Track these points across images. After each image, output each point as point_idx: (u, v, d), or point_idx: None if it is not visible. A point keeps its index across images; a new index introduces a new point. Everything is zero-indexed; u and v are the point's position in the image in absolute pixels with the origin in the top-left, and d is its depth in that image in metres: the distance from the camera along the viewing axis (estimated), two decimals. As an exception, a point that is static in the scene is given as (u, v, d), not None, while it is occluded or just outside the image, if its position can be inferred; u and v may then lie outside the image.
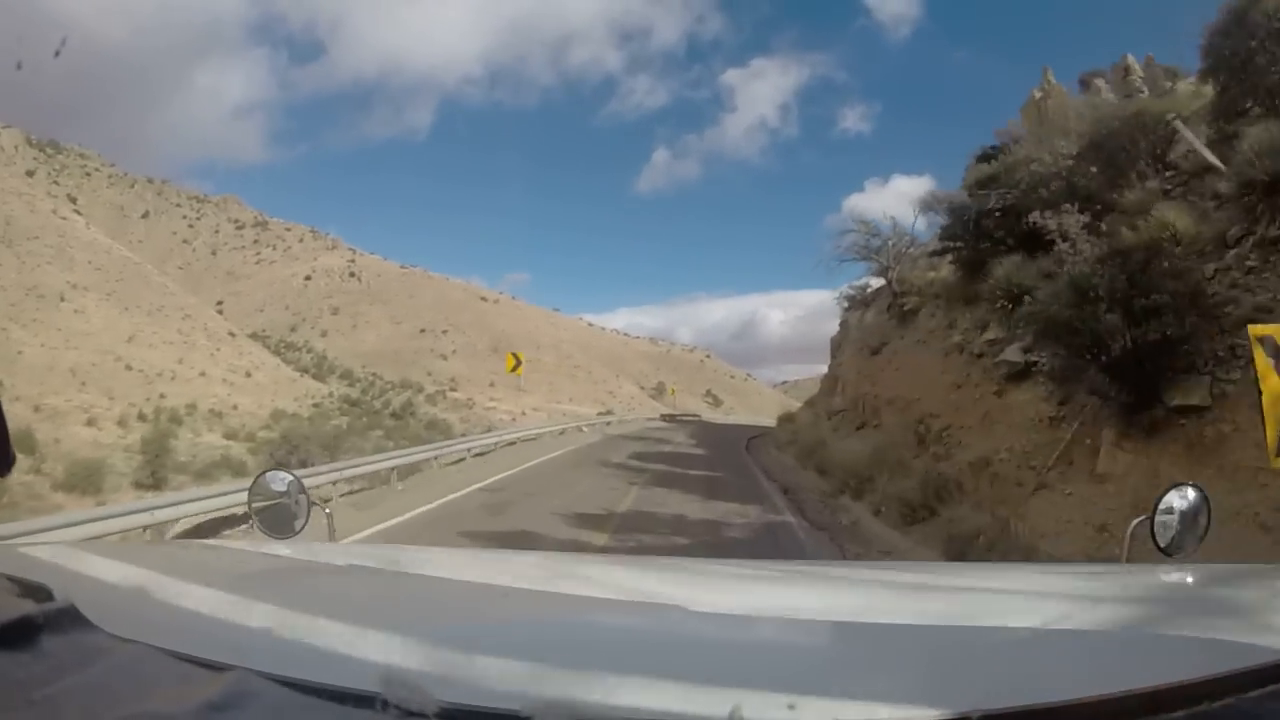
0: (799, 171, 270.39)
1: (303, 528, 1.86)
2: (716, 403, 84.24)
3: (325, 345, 76.81)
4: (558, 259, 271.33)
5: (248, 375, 51.34)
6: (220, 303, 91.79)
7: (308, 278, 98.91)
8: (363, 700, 0.62)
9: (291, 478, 1.94)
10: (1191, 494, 1.73)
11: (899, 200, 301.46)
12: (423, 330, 77.82)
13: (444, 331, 77.70)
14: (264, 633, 0.92)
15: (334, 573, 1.57)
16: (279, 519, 1.88)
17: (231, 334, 62.26)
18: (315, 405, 49.54)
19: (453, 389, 60.14)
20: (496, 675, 0.75)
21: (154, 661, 0.68)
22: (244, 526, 8.90)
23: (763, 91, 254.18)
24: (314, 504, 1.91)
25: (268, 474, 2.00)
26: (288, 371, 57.23)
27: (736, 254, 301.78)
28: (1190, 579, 1.51)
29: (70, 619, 0.67)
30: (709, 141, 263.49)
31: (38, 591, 0.74)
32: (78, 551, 1.74)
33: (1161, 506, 1.71)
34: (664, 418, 53.04)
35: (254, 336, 76.55)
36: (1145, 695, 0.65)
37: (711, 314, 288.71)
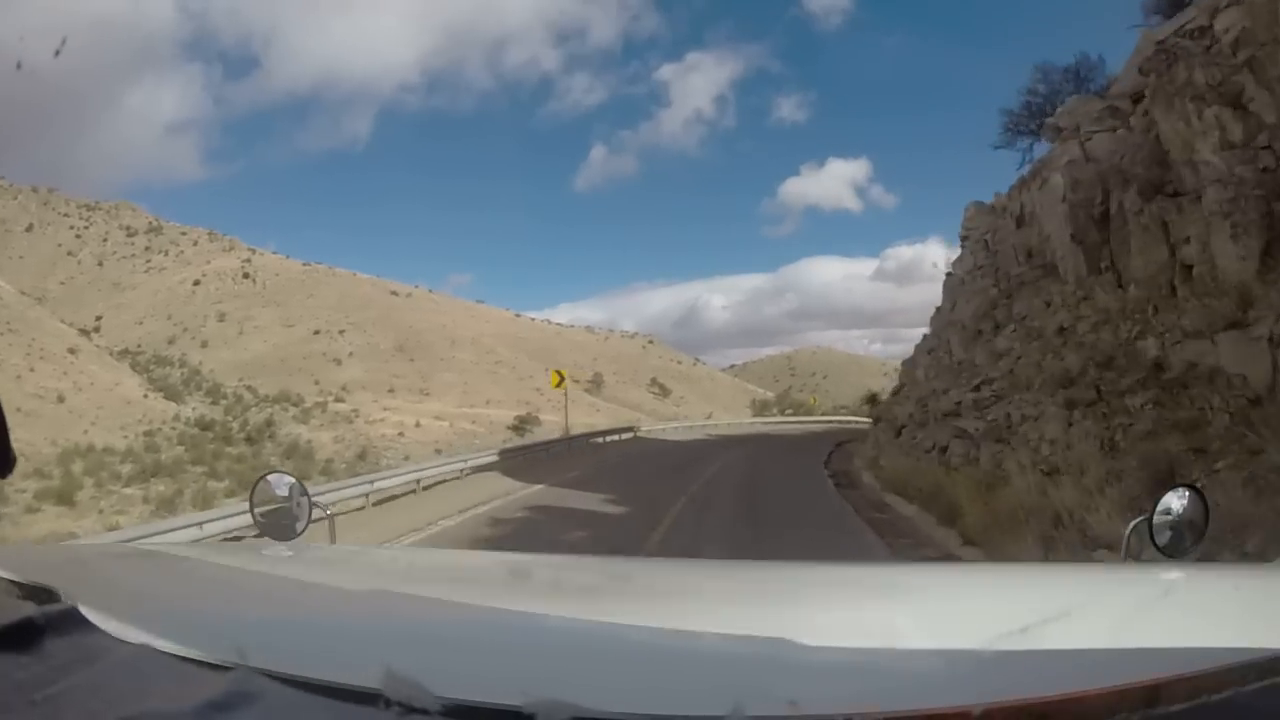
0: (735, 160, 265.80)
1: (303, 530, 1.84)
2: (664, 393, 74.09)
3: (203, 357, 65.64)
4: (499, 259, 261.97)
5: (60, 400, 40.44)
6: (99, 318, 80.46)
7: (196, 283, 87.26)
8: (364, 698, 0.61)
9: (293, 481, 1.94)
10: (1190, 495, 1.72)
11: (837, 183, 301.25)
12: (317, 332, 66.87)
13: (341, 332, 66.86)
14: (265, 632, 0.93)
15: (335, 572, 1.59)
16: (280, 522, 1.87)
17: (72, 350, 51.40)
18: (148, 433, 39.03)
19: (339, 399, 49.74)
20: (497, 672, 0.76)
21: (155, 661, 0.68)
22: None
23: (698, 84, 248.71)
24: (315, 507, 1.89)
25: (269, 477, 1.98)
26: (130, 392, 46.36)
27: (676, 242, 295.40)
28: (1189, 578, 1.52)
29: (72, 620, 0.68)
30: (645, 135, 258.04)
31: (40, 593, 0.76)
32: (80, 553, 1.90)
33: (1160, 508, 1.70)
34: (505, 453, 22.35)
35: (124, 353, 65.96)
36: (1145, 688, 0.65)
37: (653, 303, 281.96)
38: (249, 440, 38.74)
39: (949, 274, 22.93)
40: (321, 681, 0.65)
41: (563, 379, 34.55)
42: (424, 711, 0.59)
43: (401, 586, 1.47)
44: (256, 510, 1.95)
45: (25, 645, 0.61)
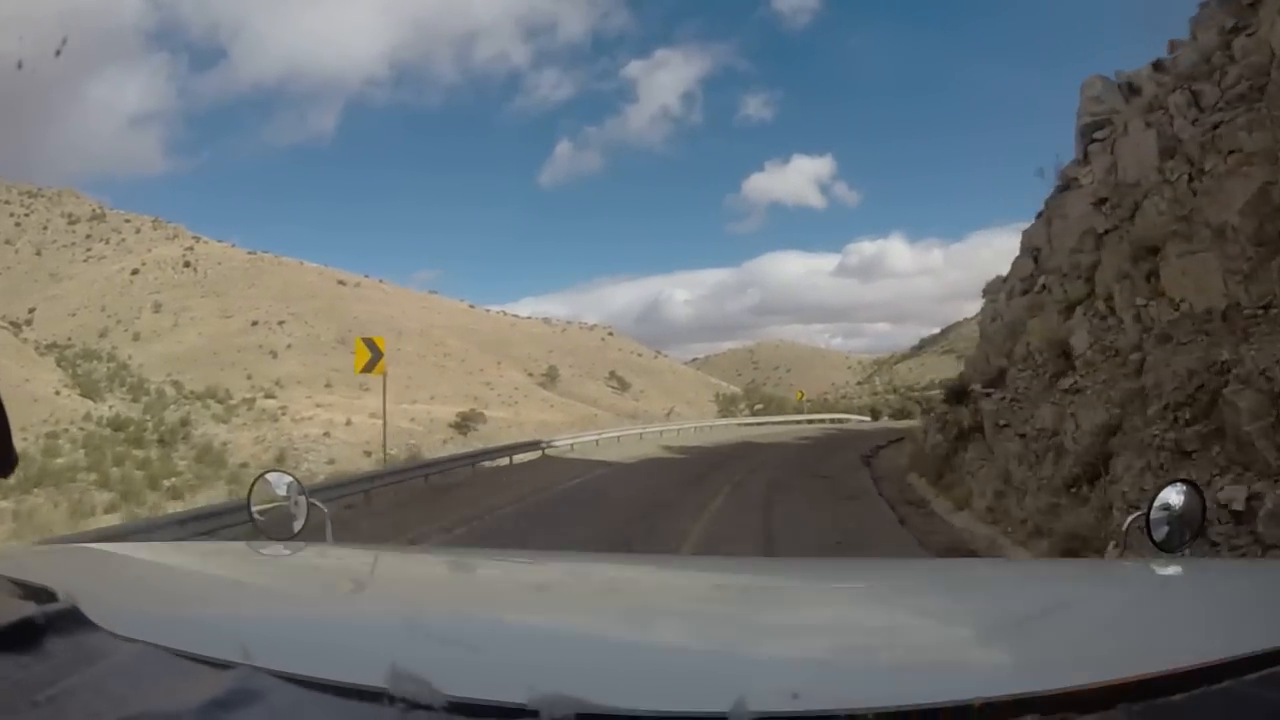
0: (700, 156, 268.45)
1: (301, 529, 1.83)
2: (623, 386, 71.00)
3: (134, 350, 62.05)
4: (464, 254, 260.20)
5: (-47, 399, 37.26)
6: (33, 310, 76.46)
7: (135, 272, 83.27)
8: (369, 695, 0.62)
9: (291, 479, 1.95)
10: (1187, 490, 1.73)
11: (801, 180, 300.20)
12: (255, 323, 63.38)
13: (281, 323, 63.40)
14: (268, 629, 0.94)
15: (335, 571, 1.62)
16: (278, 521, 1.88)
17: (-15, 344, 48.11)
18: (50, 435, 35.86)
19: (270, 395, 46.65)
20: (502, 669, 0.77)
21: (157, 661, 0.68)
22: None
23: (666, 81, 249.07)
24: (313, 505, 1.89)
25: (268, 476, 2.00)
26: (41, 389, 42.98)
27: (640, 237, 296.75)
28: (1186, 573, 1.54)
29: (73, 620, 0.68)
30: (612, 132, 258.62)
31: (40, 593, 0.76)
32: (80, 552, 1.93)
33: (1157, 503, 1.70)
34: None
35: (53, 346, 62.35)
36: (1143, 681, 0.66)
37: (616, 298, 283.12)
38: (161, 442, 35.69)
39: (1060, 189, 14.68)
40: (326, 680, 0.65)
41: (377, 357, 15.16)
42: (429, 708, 0.58)
43: (403, 585, 1.48)
44: (254, 509, 1.95)
45: (26, 645, 0.61)
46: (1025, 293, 14.84)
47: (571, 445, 24.07)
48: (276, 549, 1.77)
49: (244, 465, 32.26)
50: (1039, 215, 16.38)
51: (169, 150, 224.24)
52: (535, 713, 0.58)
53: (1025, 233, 16.82)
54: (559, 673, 0.75)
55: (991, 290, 19.82)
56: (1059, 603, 1.23)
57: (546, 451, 21.94)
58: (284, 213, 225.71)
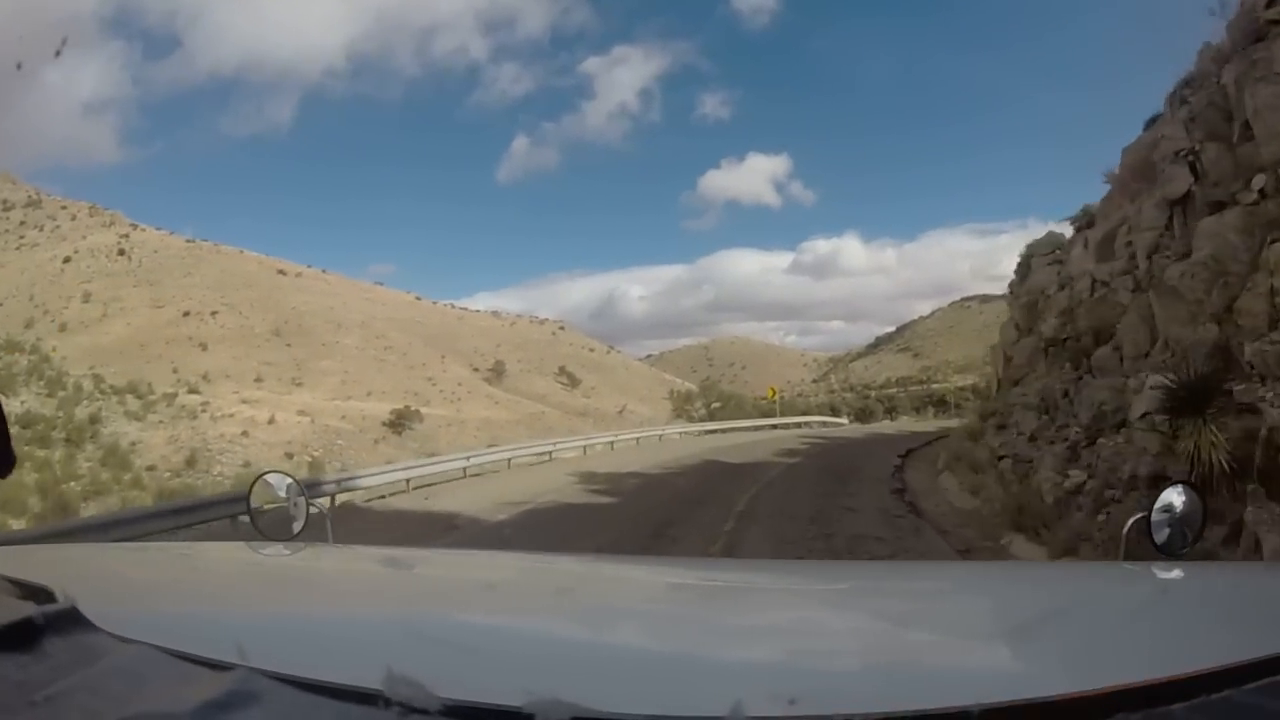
0: (657, 153, 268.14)
1: (301, 529, 1.83)
2: (573, 383, 69.15)
3: (59, 342, 59.11)
4: (418, 248, 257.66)
5: None
6: (-41, 299, 73.03)
7: (66, 260, 79.92)
8: (364, 698, 0.62)
9: (291, 480, 1.93)
10: (1187, 493, 1.71)
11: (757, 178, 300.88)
12: (186, 314, 60.75)
13: (214, 313, 60.83)
14: (265, 631, 0.95)
15: (334, 572, 1.61)
16: (278, 521, 1.88)
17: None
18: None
19: (194, 390, 44.44)
20: (498, 671, 0.77)
21: (155, 662, 0.68)
22: None
23: (624, 78, 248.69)
24: (313, 506, 1.88)
25: (267, 477, 1.98)
26: (-56, 383, 40.69)
27: (595, 233, 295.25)
28: (1187, 577, 1.52)
29: (71, 620, 0.68)
30: (569, 128, 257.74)
31: (39, 593, 0.76)
32: (80, 552, 1.95)
33: (1158, 506, 1.68)
34: None
35: (-26, 336, 59.59)
36: (1143, 688, 0.65)
37: (571, 294, 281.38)
38: (69, 441, 33.52)
39: (1250, 43, 9.03)
40: (322, 681, 0.65)
41: None
42: (424, 711, 0.58)
43: (401, 586, 1.47)
44: (254, 509, 1.94)
45: (24, 645, 0.61)
46: (1219, 207, 8.70)
47: (407, 481, 14.29)
48: (276, 549, 1.76)
49: (151, 468, 30.42)
50: (1151, 122, 12.25)
51: (123, 140, 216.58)
52: (530, 716, 0.58)
53: (1127, 150, 12.31)
54: (555, 676, 0.73)
55: (1041, 249, 15.82)
56: (1059, 606, 1.22)
57: (339, 498, 12.44)
58: (239, 205, 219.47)
